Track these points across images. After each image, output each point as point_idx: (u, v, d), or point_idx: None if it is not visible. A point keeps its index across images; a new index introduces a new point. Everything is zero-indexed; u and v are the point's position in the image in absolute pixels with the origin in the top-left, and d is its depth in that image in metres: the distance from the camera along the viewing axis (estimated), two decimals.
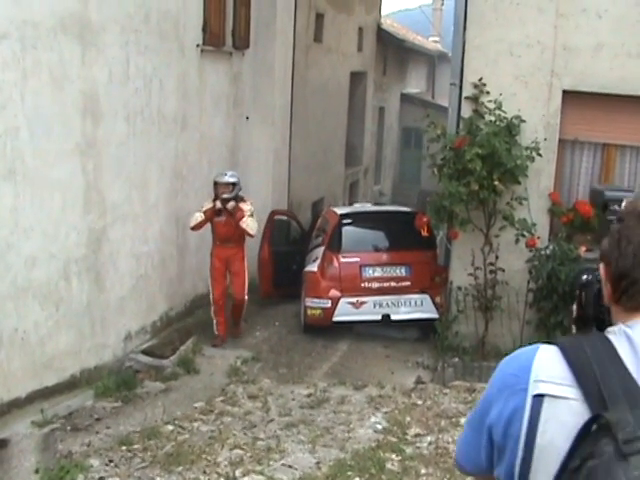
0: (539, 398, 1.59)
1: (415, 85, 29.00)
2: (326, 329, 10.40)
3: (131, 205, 9.02)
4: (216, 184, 9.84)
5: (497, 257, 8.83)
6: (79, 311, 8.07)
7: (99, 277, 8.43)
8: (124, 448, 6.43)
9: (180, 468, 6.01)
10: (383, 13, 24.70)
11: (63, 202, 7.70)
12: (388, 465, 6.12)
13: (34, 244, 7.29)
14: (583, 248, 8.47)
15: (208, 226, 9.88)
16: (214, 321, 9.90)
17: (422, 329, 10.47)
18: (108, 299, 8.61)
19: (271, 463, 6.14)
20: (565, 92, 8.80)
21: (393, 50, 24.71)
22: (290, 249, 12.51)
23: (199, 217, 9.69)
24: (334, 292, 10.21)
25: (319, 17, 16.95)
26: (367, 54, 21.62)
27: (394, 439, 6.76)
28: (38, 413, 7.01)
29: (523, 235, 8.59)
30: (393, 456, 6.34)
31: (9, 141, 6.83)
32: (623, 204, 2.00)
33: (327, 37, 17.57)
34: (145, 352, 9.18)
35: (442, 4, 35.74)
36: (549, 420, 1.57)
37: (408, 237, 10.59)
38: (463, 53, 8.95)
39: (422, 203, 17.52)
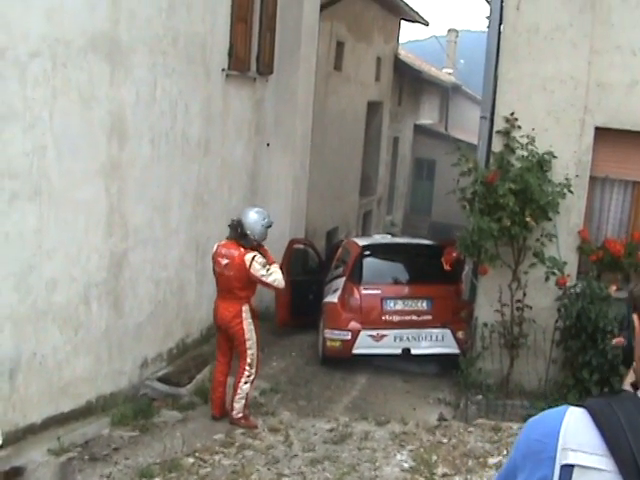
0: (568, 468, 1.49)
1: (428, 116, 29.01)
2: (344, 361, 10.22)
3: (152, 229, 8.87)
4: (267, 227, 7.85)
5: (525, 294, 8.67)
6: (97, 336, 7.89)
7: (118, 302, 8.26)
8: None
9: None
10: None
11: (86, 224, 7.55)
12: None
13: (56, 266, 7.12)
14: (613, 287, 8.30)
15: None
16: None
17: (441, 364, 10.30)
18: (126, 324, 8.43)
19: None
20: (597, 129, 8.67)
21: (408, 80, 24.71)
22: (307, 278, 12.35)
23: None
24: (354, 324, 10.04)
25: (339, 45, 16.95)
26: (384, 84, 21.61)
27: (422, 479, 6.55)
28: (54, 440, 6.80)
29: (554, 273, 8.43)
30: None
31: (36, 160, 6.68)
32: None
33: (346, 66, 17.58)
34: (161, 380, 8.98)
35: (457, 36, 35.86)
36: None
37: (430, 270, 10.46)
38: (495, 86, 8.83)
39: (435, 234, 17.43)
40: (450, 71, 33.82)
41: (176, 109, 9.15)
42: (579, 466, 1.49)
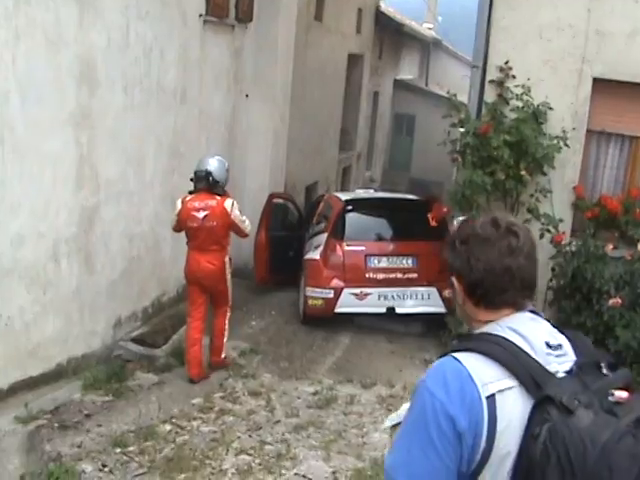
0: (491, 398, 1.87)
1: (408, 71, 28.46)
2: (326, 320, 9.86)
3: (125, 182, 8.38)
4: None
5: None
6: (67, 295, 7.45)
7: (89, 259, 7.80)
8: (119, 450, 5.82)
9: (182, 476, 5.44)
10: None
11: (54, 177, 7.04)
12: None
13: (22, 222, 6.64)
14: (610, 245, 7.96)
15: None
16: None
17: (426, 324, 9.98)
18: (98, 282, 7.98)
19: (283, 472, 5.57)
20: (595, 80, 8.27)
21: (389, 34, 24.14)
22: (287, 234, 11.93)
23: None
24: (337, 282, 9.66)
25: None
26: (365, 36, 21.07)
27: None
28: (21, 407, 6.36)
29: (548, 230, 8.07)
30: None
31: None
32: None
33: (327, 16, 17.00)
34: (135, 340, 8.57)
35: None
36: (503, 409, 1.86)
37: (416, 227, 10.08)
38: (488, 34, 8.38)
39: (414, 190, 17.05)
40: (431, 26, 33.16)
41: (150, 55, 8.62)
42: (497, 392, 1.88)
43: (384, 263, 9.83)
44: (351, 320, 10.00)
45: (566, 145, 8.03)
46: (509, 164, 7.78)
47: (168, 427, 6.41)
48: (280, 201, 12.37)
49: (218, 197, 7.51)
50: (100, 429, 6.27)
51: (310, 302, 9.77)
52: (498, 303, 2.03)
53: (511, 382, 1.88)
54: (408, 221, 10.32)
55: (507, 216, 2.13)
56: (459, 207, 8.27)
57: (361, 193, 12.47)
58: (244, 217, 7.76)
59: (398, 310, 9.71)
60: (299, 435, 6.31)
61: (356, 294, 9.61)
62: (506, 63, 8.20)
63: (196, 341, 7.69)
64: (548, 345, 1.96)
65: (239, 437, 6.22)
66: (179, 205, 7.60)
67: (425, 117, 26.78)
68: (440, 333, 9.14)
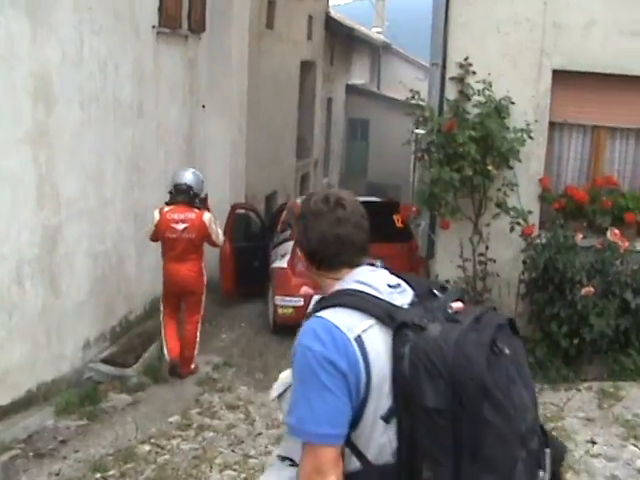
0: (358, 339, 2.16)
1: (360, 76, 28.51)
2: (296, 329, 9.71)
3: (86, 200, 8.19)
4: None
5: (487, 247, 8.28)
6: (33, 318, 7.21)
7: (54, 280, 7.58)
8: (99, 476, 5.62)
9: None
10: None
11: (13, 196, 6.82)
12: None
13: None
14: (580, 235, 7.95)
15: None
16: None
17: None
18: (64, 304, 7.77)
19: None
20: (555, 72, 8.27)
21: (340, 40, 24.17)
22: (251, 245, 11.81)
23: None
24: (306, 289, 9.55)
25: (271, 3, 16.25)
26: (316, 43, 21.04)
27: None
28: None
29: (518, 223, 8.03)
30: None
31: None
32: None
33: (278, 24, 16.92)
34: (106, 361, 8.36)
35: None
36: (371, 345, 2.16)
37: (381, 229, 9.92)
38: (445, 31, 8.34)
39: (373, 195, 17.01)
40: (380, 30, 33.28)
41: (106, 69, 8.46)
42: (362, 332, 2.17)
43: None
44: None
45: (530, 138, 8.01)
46: (476, 159, 7.73)
47: (147, 447, 6.23)
48: (242, 212, 12.25)
49: (197, 210, 7.87)
50: (77, 455, 6.07)
51: (280, 311, 9.66)
52: (336, 264, 2.40)
53: (370, 321, 2.20)
54: (374, 223, 10.14)
55: (338, 192, 2.48)
56: (427, 206, 8.20)
57: None
58: (220, 230, 8.25)
59: None
60: None
61: None
62: (466, 59, 8.16)
63: (180, 338, 8.11)
64: (389, 286, 2.33)
65: (221, 452, 6.06)
66: (157, 216, 7.90)
67: (379, 121, 26.86)
68: None
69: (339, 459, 2.17)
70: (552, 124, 8.52)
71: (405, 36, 35.10)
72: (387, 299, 2.27)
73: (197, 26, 11.23)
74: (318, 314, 2.25)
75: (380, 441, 2.20)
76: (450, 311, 2.25)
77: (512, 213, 8.01)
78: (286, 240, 10.43)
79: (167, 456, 6.04)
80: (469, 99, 8.12)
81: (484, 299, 8.40)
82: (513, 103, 8.06)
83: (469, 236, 8.27)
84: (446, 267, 8.52)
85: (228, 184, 12.51)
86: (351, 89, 26.77)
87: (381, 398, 2.18)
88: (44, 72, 7.19)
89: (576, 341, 7.69)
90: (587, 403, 7.10)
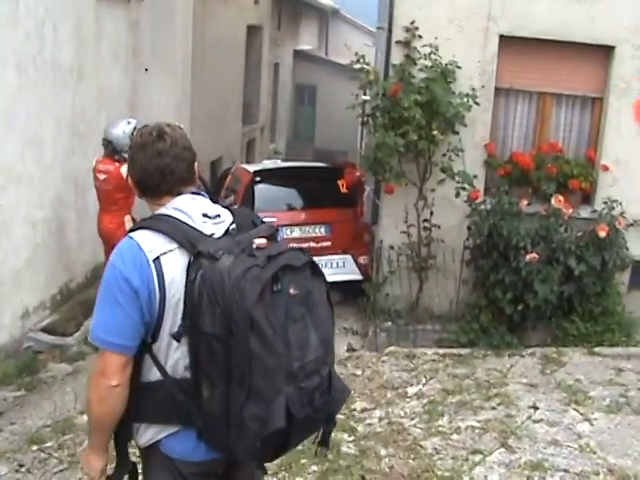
0: (157, 260, 2.43)
1: (308, 42, 28.23)
2: None
3: (24, 166, 7.94)
4: None
5: (432, 213, 8.26)
6: None
7: None
8: (35, 448, 5.50)
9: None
10: None
11: None
12: (344, 448, 5.46)
13: None
14: (524, 202, 7.97)
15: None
16: None
17: (343, 292, 9.85)
18: (2, 272, 7.56)
19: None
20: (502, 37, 8.23)
21: (287, 4, 23.85)
22: None
23: None
24: None
25: None
26: (263, 7, 20.73)
27: (341, 416, 6.10)
28: None
29: (464, 188, 8.00)
30: (345, 436, 5.69)
31: None
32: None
33: None
34: (45, 330, 8.16)
35: None
36: (167, 267, 2.43)
37: (327, 194, 9.97)
38: None
39: (320, 161, 16.92)
40: None
41: (43, 30, 8.16)
42: (161, 254, 2.44)
43: (297, 233, 9.67)
44: None
45: (476, 103, 7.96)
46: (421, 124, 7.66)
47: (86, 418, 6.09)
48: None
49: (117, 163, 8.06)
50: (13, 427, 5.94)
51: None
52: (158, 193, 2.62)
53: (172, 245, 2.46)
54: (319, 189, 10.17)
55: (164, 125, 2.65)
56: (372, 170, 8.13)
57: (268, 164, 12.24)
58: None
59: None
60: None
61: None
62: (412, 23, 8.06)
63: None
64: (205, 215, 2.55)
65: None
66: (93, 163, 8.33)
67: (327, 87, 26.65)
68: (358, 300, 9.04)
69: (126, 367, 2.48)
70: (498, 90, 8.50)
71: (355, 2, 34.84)
72: (198, 227, 2.51)
73: None
74: (130, 234, 2.55)
75: (175, 356, 2.50)
76: (253, 246, 2.45)
77: (457, 178, 7.97)
78: (230, 205, 10.28)
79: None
80: (415, 63, 8.05)
81: (428, 265, 8.40)
82: (459, 68, 8.01)
83: (414, 202, 8.23)
84: (390, 233, 8.49)
85: None
86: (299, 55, 26.52)
87: (176, 317, 2.46)
88: None
89: (520, 307, 7.74)
90: (530, 369, 7.17)
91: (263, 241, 2.47)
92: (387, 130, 7.71)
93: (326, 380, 2.49)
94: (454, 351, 7.72)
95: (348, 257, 9.71)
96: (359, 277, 9.49)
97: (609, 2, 8.17)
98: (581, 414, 6.07)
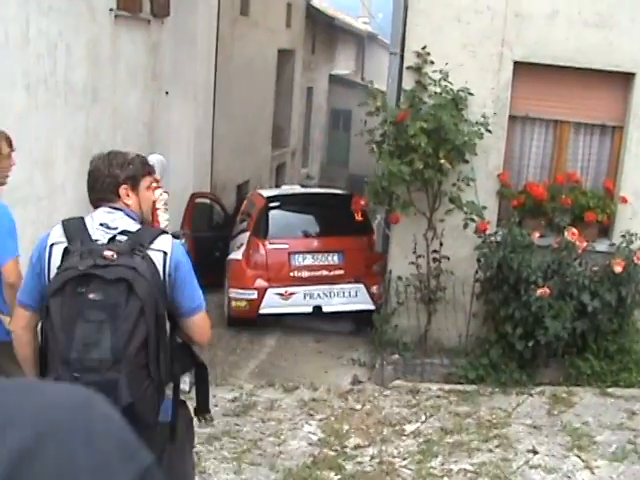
0: (51, 246, 3.09)
1: (344, 66, 28.21)
2: (252, 322, 9.50)
3: (33, 186, 7.90)
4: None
5: (441, 244, 8.02)
6: None
7: None
8: None
9: None
10: None
11: None
12: None
13: None
14: (537, 234, 7.70)
15: None
16: None
17: (356, 321, 9.67)
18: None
19: None
20: (516, 63, 8.01)
21: (322, 29, 23.88)
22: (212, 234, 11.56)
23: None
24: (260, 282, 9.33)
25: None
26: (296, 31, 20.70)
27: (332, 453, 5.90)
28: None
29: (472, 220, 7.76)
30: (332, 475, 5.47)
31: None
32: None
33: (254, 11, 16.62)
34: None
35: None
36: (55, 253, 3.07)
37: (341, 222, 9.80)
38: (405, 19, 8.07)
39: (353, 187, 16.77)
40: (366, 20, 32.94)
41: (56, 52, 8.15)
42: (54, 243, 3.08)
43: (309, 260, 9.52)
44: (279, 321, 9.66)
45: (488, 131, 7.73)
46: (427, 152, 7.45)
47: None
48: (206, 201, 12.00)
49: None
50: None
51: (234, 304, 9.43)
52: (92, 203, 3.30)
53: (63, 239, 3.06)
54: (333, 216, 10.03)
55: (100, 154, 3.38)
56: (377, 199, 7.94)
57: (286, 189, 12.12)
58: (167, 215, 8.19)
59: (325, 309, 9.42)
60: (211, 446, 5.93)
61: (281, 294, 9.29)
62: (423, 48, 7.88)
63: None
64: (103, 224, 3.12)
65: None
66: None
67: (362, 112, 26.49)
68: (369, 331, 8.83)
69: (30, 320, 3.20)
70: (513, 117, 8.26)
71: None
72: (90, 231, 3.08)
73: (160, 10, 10.90)
74: (57, 225, 3.19)
75: None
76: (102, 254, 2.95)
77: (466, 209, 7.74)
78: (243, 231, 10.18)
79: None
80: (426, 89, 7.86)
81: (437, 297, 8.15)
82: (472, 94, 7.79)
83: (423, 232, 8.01)
84: (399, 263, 8.26)
85: (192, 172, 12.23)
86: (334, 79, 26.48)
87: None
88: None
89: (531, 343, 7.43)
90: (537, 409, 6.88)
91: (109, 253, 2.94)
92: (393, 158, 7.52)
93: (111, 383, 2.82)
94: (459, 387, 7.46)
95: (361, 286, 9.53)
96: (371, 307, 9.29)
97: (629, 27, 7.91)
98: (583, 461, 5.76)
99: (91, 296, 2.87)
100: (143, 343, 2.92)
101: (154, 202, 7.88)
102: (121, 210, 3.22)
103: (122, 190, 3.26)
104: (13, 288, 4.73)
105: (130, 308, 2.87)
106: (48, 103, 8.06)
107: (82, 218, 3.16)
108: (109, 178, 3.24)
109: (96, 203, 3.25)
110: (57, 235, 3.09)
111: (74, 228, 3.09)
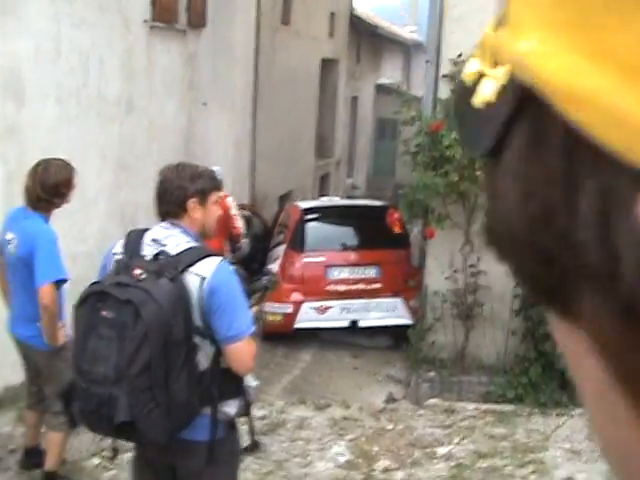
0: (114, 254, 3.17)
1: (390, 76, 27.97)
2: (288, 337, 9.36)
3: None
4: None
5: (479, 258, 7.77)
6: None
7: None
8: None
9: None
10: (359, 4, 23.63)
11: None
12: None
13: None
14: None
15: None
16: None
17: (394, 336, 9.46)
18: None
19: None
20: None
21: (367, 38, 23.70)
22: (251, 246, 11.42)
23: None
24: (296, 296, 9.18)
25: None
26: (339, 40, 20.56)
27: (359, 476, 5.71)
28: None
29: None
30: None
31: None
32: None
33: (296, 20, 16.49)
34: None
35: None
36: (112, 264, 3.18)
37: (379, 234, 9.62)
38: (440, 26, 7.87)
39: (397, 197, 16.57)
40: (413, 29, 32.70)
41: (88, 64, 8.14)
42: (115, 253, 3.18)
43: (346, 274, 9.35)
44: (315, 335, 9.50)
45: None
46: (463, 164, 7.24)
47: (96, 461, 5.87)
48: (245, 213, 11.90)
49: None
50: None
51: (269, 318, 9.28)
52: (160, 217, 3.25)
53: (121, 250, 3.13)
54: (370, 228, 9.85)
55: (170, 165, 3.33)
56: (411, 212, 7.74)
57: (325, 201, 11.97)
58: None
59: (361, 323, 9.23)
60: None
61: (316, 308, 9.13)
62: (459, 56, 7.66)
63: None
64: (154, 240, 3.10)
65: None
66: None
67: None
68: (408, 346, 8.62)
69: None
70: None
71: None
72: (143, 246, 3.10)
73: (196, 20, 10.86)
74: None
75: None
76: (131, 272, 2.98)
77: None
78: (280, 243, 10.06)
79: (114, 471, 5.68)
80: None
81: (474, 313, 7.91)
82: None
83: (460, 246, 7.78)
84: (436, 278, 8.04)
85: (231, 184, 12.11)
86: (380, 88, 26.30)
87: None
88: (13, 66, 6.92)
89: None
90: (577, 432, 6.57)
91: (138, 272, 2.95)
92: (427, 169, 7.32)
93: (112, 399, 2.86)
94: (497, 407, 7.21)
95: (399, 300, 9.33)
96: (410, 322, 9.06)
97: None
98: None
99: (104, 313, 2.92)
100: (146, 366, 2.87)
101: (229, 209, 8.00)
102: (179, 227, 3.19)
103: (190, 203, 3.19)
104: (46, 311, 4.68)
105: (137, 331, 2.87)
106: (80, 115, 8.05)
107: (144, 230, 3.19)
108: (178, 190, 3.19)
109: (162, 216, 3.23)
110: (120, 246, 3.18)
111: (132, 240, 3.14)
